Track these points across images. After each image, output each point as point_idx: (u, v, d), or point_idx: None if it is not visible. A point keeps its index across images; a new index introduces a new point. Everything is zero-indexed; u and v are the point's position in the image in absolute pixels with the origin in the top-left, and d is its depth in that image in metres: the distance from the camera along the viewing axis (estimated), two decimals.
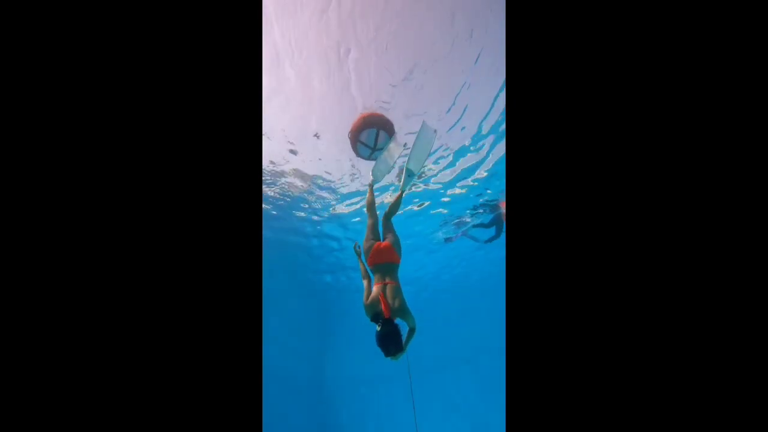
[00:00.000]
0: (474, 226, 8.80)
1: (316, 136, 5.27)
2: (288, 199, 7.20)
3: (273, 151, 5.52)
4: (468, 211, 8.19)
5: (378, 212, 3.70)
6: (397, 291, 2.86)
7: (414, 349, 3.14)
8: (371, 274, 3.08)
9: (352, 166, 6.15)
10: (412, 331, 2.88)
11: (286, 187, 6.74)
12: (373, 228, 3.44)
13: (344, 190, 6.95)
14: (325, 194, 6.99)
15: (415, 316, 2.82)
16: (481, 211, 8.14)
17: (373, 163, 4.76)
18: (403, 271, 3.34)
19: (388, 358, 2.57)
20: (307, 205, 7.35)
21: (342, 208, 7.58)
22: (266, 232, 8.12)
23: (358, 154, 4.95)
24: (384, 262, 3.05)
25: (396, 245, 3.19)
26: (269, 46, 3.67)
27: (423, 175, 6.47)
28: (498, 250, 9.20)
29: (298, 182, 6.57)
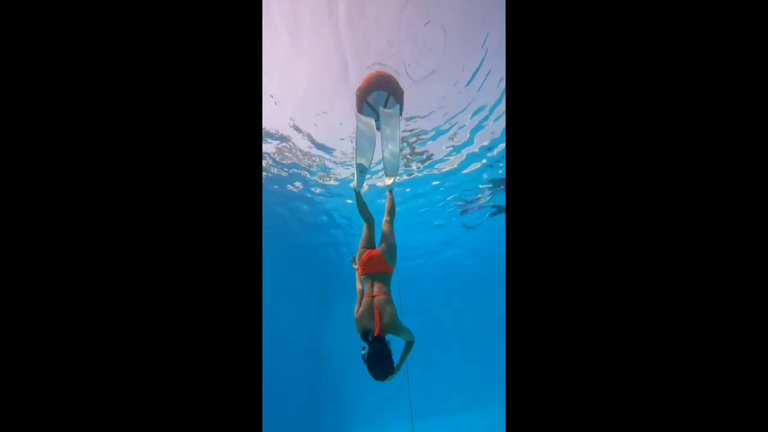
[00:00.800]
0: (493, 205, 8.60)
1: (320, 111, 4.95)
2: (286, 171, 6.97)
3: (268, 116, 5.21)
4: (482, 186, 7.89)
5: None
6: (389, 304, 2.54)
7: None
8: (363, 285, 2.77)
9: (352, 140, 5.85)
10: (409, 345, 2.61)
11: (285, 154, 6.48)
12: (368, 235, 3.08)
13: (343, 159, 6.67)
14: (323, 157, 6.72)
15: (412, 329, 2.53)
16: (501, 188, 7.89)
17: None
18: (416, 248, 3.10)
19: (378, 381, 2.29)
20: (306, 173, 7.11)
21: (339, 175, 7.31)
22: (266, 197, 7.94)
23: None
24: (375, 272, 2.73)
25: (389, 253, 2.84)
26: None
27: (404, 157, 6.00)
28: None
29: (297, 150, 6.29)
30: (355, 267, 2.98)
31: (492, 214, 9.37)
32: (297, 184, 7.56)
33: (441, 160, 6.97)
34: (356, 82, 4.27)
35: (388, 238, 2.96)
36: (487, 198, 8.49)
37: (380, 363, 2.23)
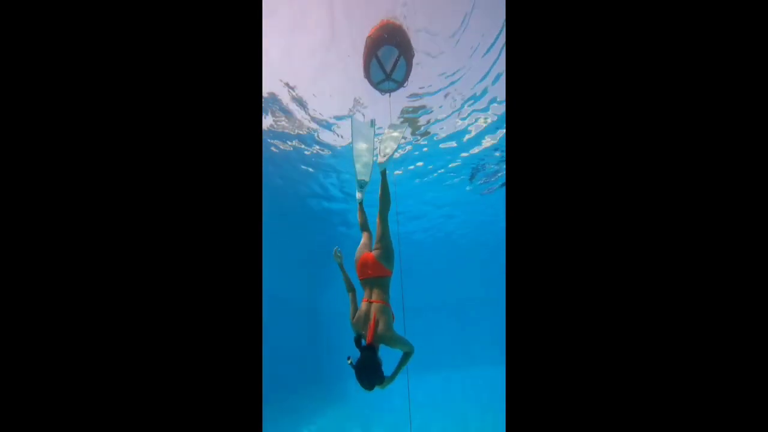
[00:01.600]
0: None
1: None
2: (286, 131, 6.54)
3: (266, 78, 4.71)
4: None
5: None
6: (385, 312, 2.35)
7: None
8: (361, 289, 2.57)
9: (355, 101, 5.34)
10: (407, 355, 2.45)
11: (284, 122, 6.03)
12: (367, 240, 2.87)
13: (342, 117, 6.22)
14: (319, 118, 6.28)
15: (410, 340, 2.38)
16: None
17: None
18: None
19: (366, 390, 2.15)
20: (303, 131, 6.68)
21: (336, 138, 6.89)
22: (266, 155, 7.58)
23: (368, 74, 3.83)
24: (371, 276, 2.53)
25: (384, 257, 2.58)
26: None
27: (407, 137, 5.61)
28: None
29: (296, 115, 5.83)
30: (337, 261, 2.82)
31: (503, 184, 9.04)
32: (292, 142, 7.15)
33: (460, 132, 6.53)
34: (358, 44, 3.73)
35: (382, 238, 2.67)
36: (497, 168, 8.11)
37: (367, 373, 2.11)
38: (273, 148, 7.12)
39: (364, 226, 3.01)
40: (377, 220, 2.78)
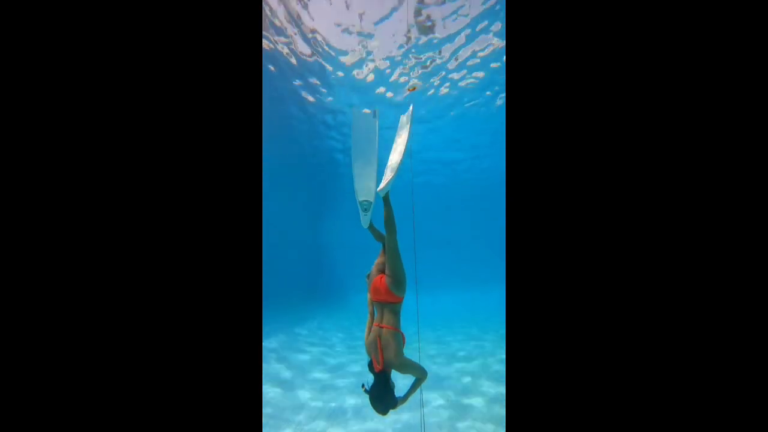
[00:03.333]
0: None
1: None
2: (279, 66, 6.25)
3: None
4: None
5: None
6: (395, 339, 2.28)
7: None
8: (374, 309, 2.50)
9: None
10: (419, 381, 2.39)
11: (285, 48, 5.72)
12: (382, 258, 2.66)
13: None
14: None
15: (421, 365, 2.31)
16: None
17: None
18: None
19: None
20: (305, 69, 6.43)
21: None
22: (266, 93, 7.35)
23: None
24: (382, 300, 2.42)
25: (395, 285, 2.39)
26: None
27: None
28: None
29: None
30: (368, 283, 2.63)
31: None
32: (297, 82, 6.90)
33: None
34: None
35: (392, 266, 2.45)
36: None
37: (380, 400, 2.16)
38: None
39: (380, 239, 2.76)
40: (386, 248, 2.55)
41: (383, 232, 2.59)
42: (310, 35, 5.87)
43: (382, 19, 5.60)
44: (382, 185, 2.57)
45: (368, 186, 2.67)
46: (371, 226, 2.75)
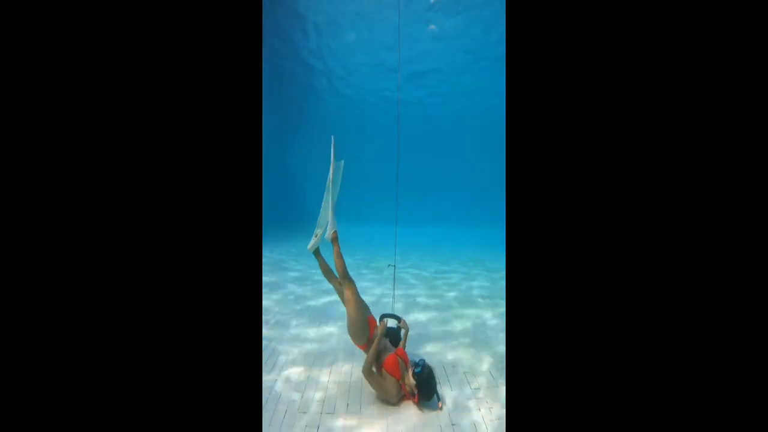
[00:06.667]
0: None
1: None
2: None
3: None
4: None
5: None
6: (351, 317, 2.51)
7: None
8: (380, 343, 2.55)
9: None
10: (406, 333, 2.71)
11: None
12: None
13: None
14: None
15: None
16: None
17: None
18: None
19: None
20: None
21: None
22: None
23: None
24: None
25: (354, 335, 2.50)
26: None
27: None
28: None
29: None
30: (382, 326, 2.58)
31: None
32: None
33: None
34: None
35: (350, 317, 2.49)
36: None
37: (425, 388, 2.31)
38: None
39: (329, 276, 2.82)
40: (344, 299, 2.54)
41: (336, 275, 2.66)
42: None
43: None
44: (310, 244, 2.73)
45: (324, 217, 2.70)
46: (322, 264, 2.83)
